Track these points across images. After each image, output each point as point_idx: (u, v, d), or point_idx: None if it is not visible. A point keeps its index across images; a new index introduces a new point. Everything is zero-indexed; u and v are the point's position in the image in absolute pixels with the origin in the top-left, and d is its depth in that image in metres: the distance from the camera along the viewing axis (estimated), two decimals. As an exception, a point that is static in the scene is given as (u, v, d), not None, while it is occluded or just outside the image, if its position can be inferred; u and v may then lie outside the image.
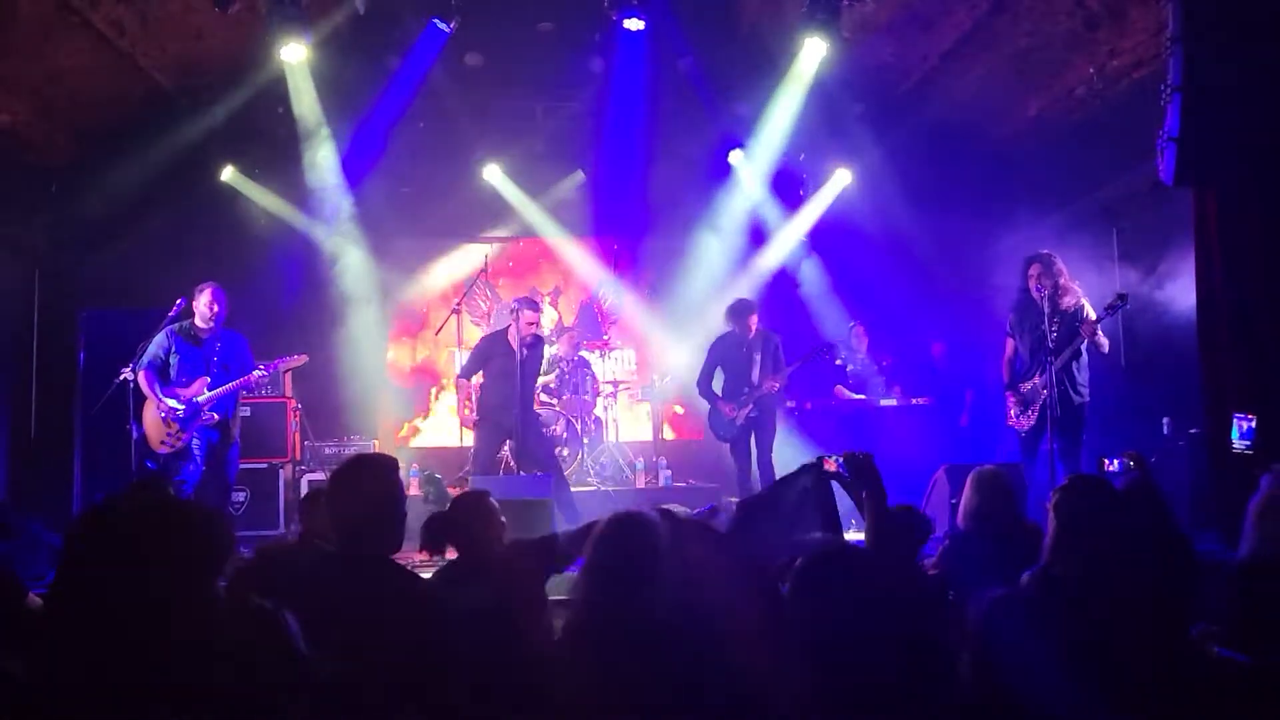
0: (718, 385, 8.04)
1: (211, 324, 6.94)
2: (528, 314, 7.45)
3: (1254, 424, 4.33)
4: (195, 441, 6.83)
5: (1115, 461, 4.48)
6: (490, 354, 7.61)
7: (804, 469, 3.55)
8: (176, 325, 6.96)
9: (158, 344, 6.89)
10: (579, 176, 10.25)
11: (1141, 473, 4.15)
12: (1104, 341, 6.48)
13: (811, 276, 10.24)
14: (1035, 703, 2.41)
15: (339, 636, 2.46)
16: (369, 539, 2.91)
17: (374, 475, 3.00)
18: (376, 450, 8.76)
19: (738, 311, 7.93)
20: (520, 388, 7.34)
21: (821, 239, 10.23)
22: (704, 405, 8.18)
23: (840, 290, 10.05)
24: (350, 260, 10.07)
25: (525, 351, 7.39)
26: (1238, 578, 2.96)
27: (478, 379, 7.79)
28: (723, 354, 8.01)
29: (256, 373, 7.01)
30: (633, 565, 2.66)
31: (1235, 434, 4.38)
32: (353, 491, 2.94)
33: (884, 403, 8.91)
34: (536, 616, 3.70)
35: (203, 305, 6.90)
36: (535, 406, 8.20)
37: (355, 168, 9.45)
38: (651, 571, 2.68)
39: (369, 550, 2.90)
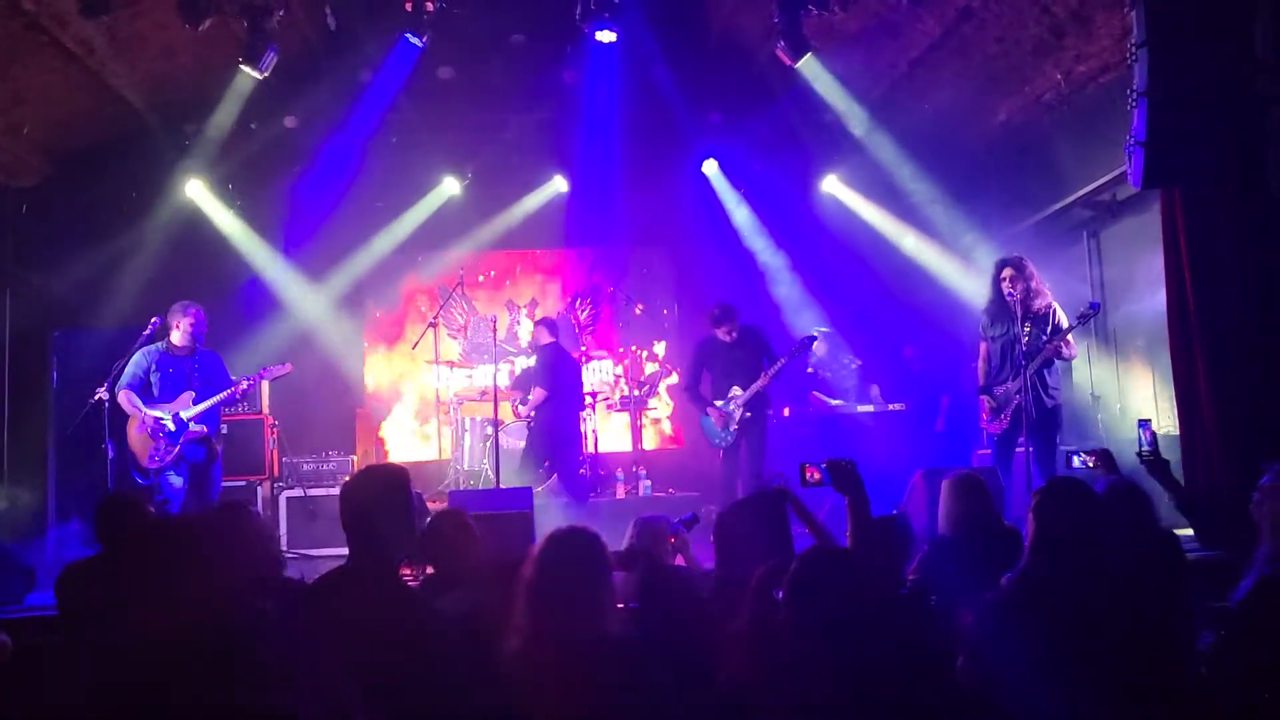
0: (705, 390, 7.96)
1: (191, 343, 6.92)
2: None
3: (1154, 434, 4.64)
4: (182, 458, 6.80)
5: (1079, 458, 4.57)
6: None
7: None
8: (155, 344, 6.93)
9: (136, 363, 6.85)
10: (558, 182, 10.24)
11: (1112, 471, 4.19)
12: (1072, 353, 6.59)
13: (784, 280, 10.25)
14: (1021, 702, 2.43)
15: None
16: (383, 544, 2.99)
17: (385, 484, 3.08)
18: (363, 464, 8.75)
19: (717, 318, 7.73)
20: None
21: (794, 243, 10.27)
22: (684, 414, 8.09)
23: (813, 293, 10.07)
24: (324, 275, 10.03)
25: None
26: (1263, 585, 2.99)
27: None
28: (708, 356, 7.88)
29: (244, 382, 6.99)
30: (579, 582, 2.65)
31: (1140, 443, 4.64)
32: (365, 500, 3.02)
33: (860, 409, 8.94)
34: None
35: (184, 325, 6.87)
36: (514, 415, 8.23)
37: (329, 182, 9.42)
38: (598, 588, 2.67)
39: (383, 554, 2.99)
